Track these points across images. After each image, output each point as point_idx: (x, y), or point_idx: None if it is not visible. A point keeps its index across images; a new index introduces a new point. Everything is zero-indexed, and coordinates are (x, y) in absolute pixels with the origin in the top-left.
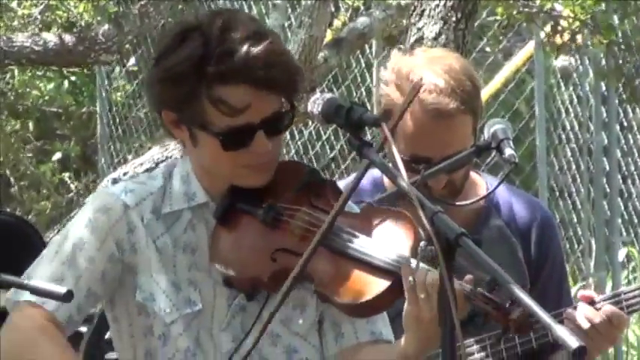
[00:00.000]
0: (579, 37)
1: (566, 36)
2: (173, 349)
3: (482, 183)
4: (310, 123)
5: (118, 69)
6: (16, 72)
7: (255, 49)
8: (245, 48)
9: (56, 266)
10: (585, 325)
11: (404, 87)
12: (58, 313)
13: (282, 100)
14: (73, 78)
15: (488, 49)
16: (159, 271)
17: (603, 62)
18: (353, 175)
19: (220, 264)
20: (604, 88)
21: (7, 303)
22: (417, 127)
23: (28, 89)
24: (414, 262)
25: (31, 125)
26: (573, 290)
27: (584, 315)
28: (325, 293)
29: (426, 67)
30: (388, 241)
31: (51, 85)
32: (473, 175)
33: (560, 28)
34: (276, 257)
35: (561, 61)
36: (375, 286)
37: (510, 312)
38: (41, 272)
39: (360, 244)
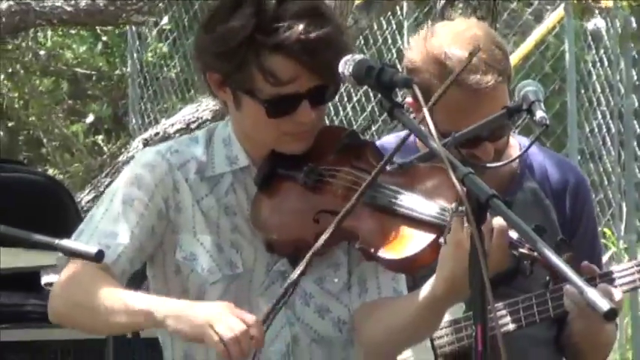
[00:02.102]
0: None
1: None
2: None
3: (516, 144)
4: (372, 97)
5: (150, 30)
6: (49, 33)
7: (310, 28)
8: (300, 26)
9: (109, 223)
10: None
11: (436, 71)
12: (114, 266)
13: (324, 79)
14: (104, 38)
15: (519, 11)
16: (203, 231)
17: (634, 24)
18: (392, 135)
19: (262, 228)
20: (634, 50)
21: (60, 261)
22: (458, 106)
23: (60, 50)
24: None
25: (64, 86)
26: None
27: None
28: (370, 250)
29: (453, 45)
30: (431, 195)
31: (84, 47)
32: None
33: None
34: (318, 219)
35: (592, 24)
36: (421, 240)
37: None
38: (94, 227)
39: (403, 199)
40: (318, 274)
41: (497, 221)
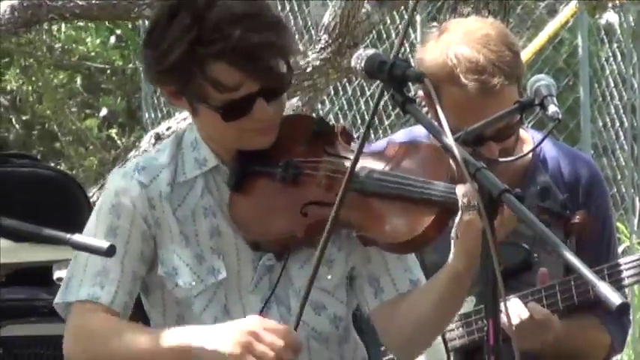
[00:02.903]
0: None
1: None
2: (199, 323)
3: (528, 138)
4: (354, 79)
5: None
6: (63, 27)
7: (247, 34)
8: (237, 32)
9: (96, 260)
10: (515, 320)
11: (443, 70)
12: (113, 304)
13: (266, 83)
14: (118, 32)
15: (532, 5)
16: (180, 244)
17: None
18: (402, 130)
19: (247, 230)
20: None
21: (58, 307)
22: (464, 105)
23: (74, 45)
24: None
25: (78, 80)
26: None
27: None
28: (369, 236)
29: (462, 44)
30: (419, 172)
31: (97, 41)
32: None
33: None
34: (306, 211)
35: (605, 18)
36: (420, 220)
37: (571, 217)
38: (82, 270)
39: (393, 180)
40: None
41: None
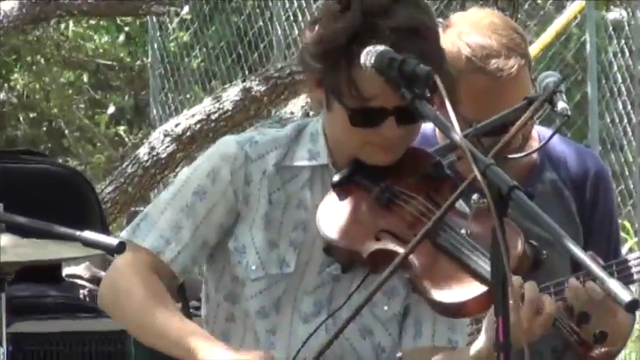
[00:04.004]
0: None
1: None
2: (246, 307)
3: (535, 135)
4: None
5: (171, 20)
6: (70, 24)
7: (405, 44)
8: (394, 39)
9: (174, 212)
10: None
11: (458, 61)
12: (173, 264)
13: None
14: (126, 29)
15: (539, 1)
16: (259, 226)
17: None
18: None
19: (325, 228)
20: None
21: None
22: (483, 92)
23: (82, 41)
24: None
25: (85, 77)
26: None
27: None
28: (418, 285)
29: (472, 32)
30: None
31: (106, 38)
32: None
33: None
34: (380, 237)
35: (613, 14)
36: (470, 289)
37: (592, 348)
38: (158, 214)
39: (465, 245)
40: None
41: (548, 303)
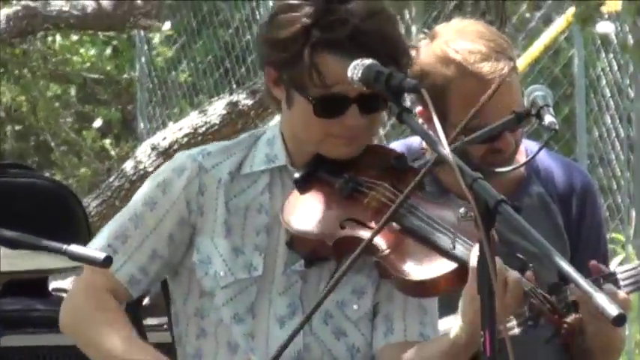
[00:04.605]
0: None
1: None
2: (218, 317)
3: (522, 149)
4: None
5: (157, 34)
6: (57, 37)
7: (365, 25)
8: (355, 20)
9: (124, 222)
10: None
11: (448, 68)
12: (119, 273)
13: None
14: (114, 42)
15: (527, 15)
16: (221, 234)
17: None
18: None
19: (287, 220)
20: None
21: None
22: (475, 97)
23: (69, 55)
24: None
25: (72, 91)
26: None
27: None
28: (386, 267)
29: (459, 39)
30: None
31: (92, 52)
32: None
33: None
34: (345, 225)
35: (601, 28)
36: (440, 266)
37: (565, 315)
38: (110, 226)
39: (431, 226)
40: (340, 297)
41: (512, 275)
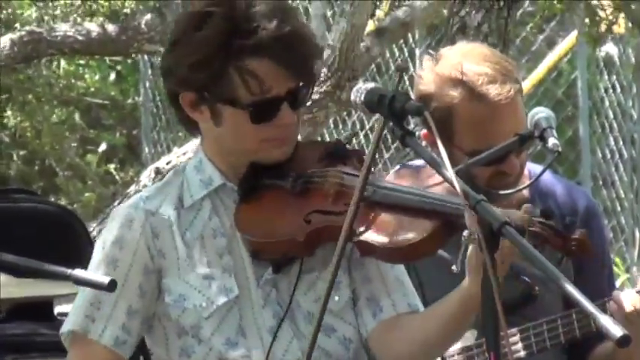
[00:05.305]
0: (617, 27)
1: (604, 26)
2: (207, 348)
3: (526, 172)
4: (354, 112)
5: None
6: (62, 62)
7: (284, 26)
8: (273, 24)
9: (92, 291)
10: (629, 308)
11: (456, 89)
12: (102, 339)
13: (301, 77)
14: (118, 68)
15: (531, 37)
16: (187, 269)
17: None
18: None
19: (248, 231)
20: None
21: (62, 337)
22: (482, 119)
23: (73, 80)
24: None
25: (77, 116)
26: (619, 281)
27: (629, 300)
28: (368, 244)
29: (465, 62)
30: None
31: (97, 77)
32: None
33: (597, 18)
34: (310, 219)
35: (604, 50)
36: (423, 226)
37: (570, 233)
38: (80, 298)
39: (398, 192)
40: (317, 293)
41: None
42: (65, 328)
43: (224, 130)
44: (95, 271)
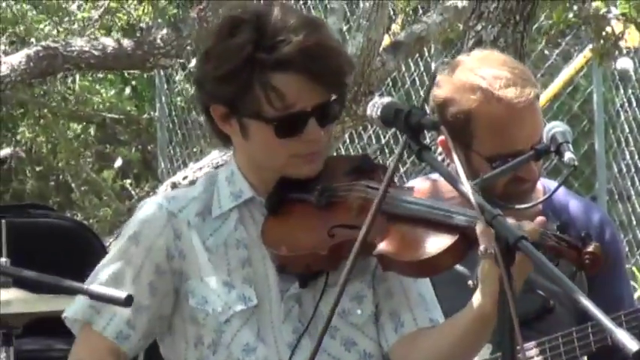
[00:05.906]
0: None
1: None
2: (224, 355)
3: (540, 187)
4: (370, 126)
5: (177, 73)
6: (77, 78)
7: (310, 39)
8: (300, 37)
9: (102, 280)
10: None
11: (474, 93)
12: (106, 331)
13: (330, 90)
14: (133, 83)
15: (546, 51)
16: (209, 272)
17: None
18: (420, 177)
19: (274, 245)
20: None
21: (66, 320)
22: (502, 123)
23: (89, 95)
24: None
25: (92, 131)
26: (636, 294)
27: None
28: (388, 258)
29: (483, 67)
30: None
31: (112, 92)
32: None
33: (604, 33)
34: (333, 233)
35: (620, 64)
36: (442, 240)
37: (584, 247)
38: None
39: (419, 205)
40: (341, 307)
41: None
42: (69, 313)
43: (253, 144)
44: (109, 261)
